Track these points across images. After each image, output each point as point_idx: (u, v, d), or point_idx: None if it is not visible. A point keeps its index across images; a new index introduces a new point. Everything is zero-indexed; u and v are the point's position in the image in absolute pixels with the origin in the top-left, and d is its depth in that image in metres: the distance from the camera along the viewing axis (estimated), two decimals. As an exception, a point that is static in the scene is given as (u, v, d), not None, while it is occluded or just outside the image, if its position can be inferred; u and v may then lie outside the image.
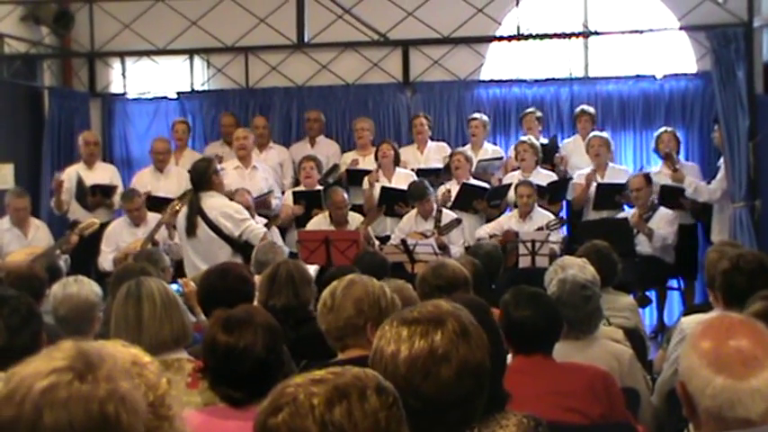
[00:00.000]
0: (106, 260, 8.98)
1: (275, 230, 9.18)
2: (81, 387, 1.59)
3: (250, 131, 10.15)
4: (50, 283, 5.34)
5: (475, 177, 9.76)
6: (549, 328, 3.97)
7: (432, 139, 10.45)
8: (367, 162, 10.13)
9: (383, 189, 9.60)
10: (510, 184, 9.64)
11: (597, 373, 3.98)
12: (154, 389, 1.94)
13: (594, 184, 9.48)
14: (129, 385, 1.67)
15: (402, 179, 9.76)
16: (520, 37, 10.46)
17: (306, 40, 8.61)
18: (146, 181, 9.92)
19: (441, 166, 10.06)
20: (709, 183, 9.33)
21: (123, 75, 11.87)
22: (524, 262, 8.33)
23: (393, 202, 9.51)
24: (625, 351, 4.57)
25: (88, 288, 4.90)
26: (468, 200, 9.46)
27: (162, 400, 1.94)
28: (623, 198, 9.35)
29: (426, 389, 2.22)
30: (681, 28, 10.33)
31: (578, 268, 4.86)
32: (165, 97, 11.70)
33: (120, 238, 9.09)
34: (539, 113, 10.30)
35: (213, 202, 7.69)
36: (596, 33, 10.52)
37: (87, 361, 1.64)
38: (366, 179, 9.83)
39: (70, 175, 9.88)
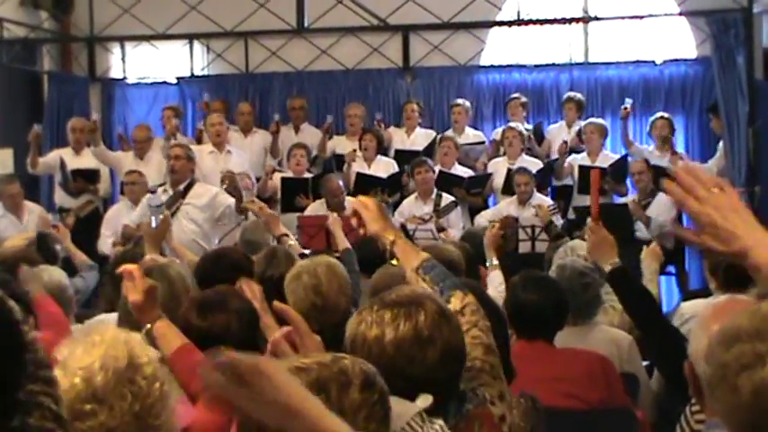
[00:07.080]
0: (105, 244, 8.94)
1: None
2: None
3: (223, 117, 9.93)
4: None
5: (458, 162, 9.73)
6: (554, 315, 3.97)
7: (422, 126, 10.36)
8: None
9: (358, 175, 9.54)
10: (490, 173, 9.64)
11: (596, 358, 3.99)
12: (142, 398, 1.90)
13: (577, 166, 9.47)
14: None
15: (382, 167, 9.74)
16: (520, 22, 10.47)
17: (305, 25, 8.63)
18: (123, 165, 9.68)
19: (420, 149, 9.98)
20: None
21: (123, 59, 11.84)
22: (524, 247, 8.34)
23: (368, 189, 9.42)
24: (624, 337, 4.57)
25: (55, 272, 4.94)
26: (445, 187, 9.31)
27: (149, 410, 1.90)
28: (607, 184, 9.30)
29: (412, 372, 2.24)
30: (681, 13, 10.31)
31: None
32: (165, 82, 11.69)
33: (119, 222, 9.02)
34: (523, 99, 10.25)
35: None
36: (596, 18, 10.52)
37: None
38: (346, 156, 9.80)
39: (54, 158, 9.83)
